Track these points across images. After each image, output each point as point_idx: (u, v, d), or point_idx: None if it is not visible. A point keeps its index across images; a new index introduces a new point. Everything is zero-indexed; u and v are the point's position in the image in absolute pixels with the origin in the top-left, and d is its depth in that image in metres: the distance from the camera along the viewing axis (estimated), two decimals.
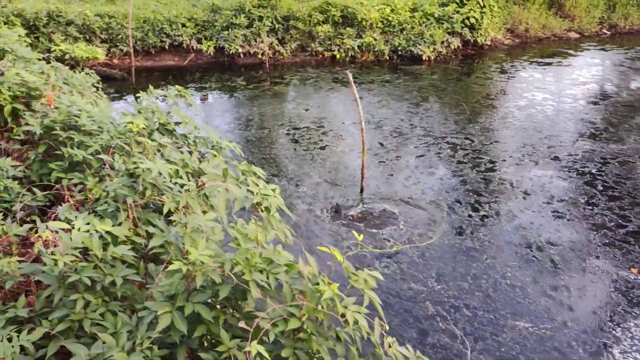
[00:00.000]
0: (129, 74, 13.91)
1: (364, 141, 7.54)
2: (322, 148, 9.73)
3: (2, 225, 3.74)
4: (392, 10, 16.69)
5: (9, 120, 5.15)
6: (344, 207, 7.31)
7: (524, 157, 9.29)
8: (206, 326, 2.79)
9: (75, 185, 4.25)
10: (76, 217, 3.56)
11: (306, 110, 11.80)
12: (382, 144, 9.82)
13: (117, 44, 14.91)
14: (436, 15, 16.64)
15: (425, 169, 8.77)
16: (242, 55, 15.58)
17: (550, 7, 20.18)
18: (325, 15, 16.55)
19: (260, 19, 15.75)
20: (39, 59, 7.28)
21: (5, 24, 12.88)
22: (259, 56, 15.66)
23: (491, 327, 5.06)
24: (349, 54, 16.01)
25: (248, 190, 3.40)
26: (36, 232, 3.64)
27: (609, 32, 20.26)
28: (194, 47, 15.53)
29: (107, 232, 3.34)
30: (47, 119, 4.67)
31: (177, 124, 5.03)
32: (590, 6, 20.59)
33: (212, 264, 2.80)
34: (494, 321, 5.13)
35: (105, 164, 4.30)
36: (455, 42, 16.59)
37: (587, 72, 15.17)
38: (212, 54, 15.45)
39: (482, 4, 17.00)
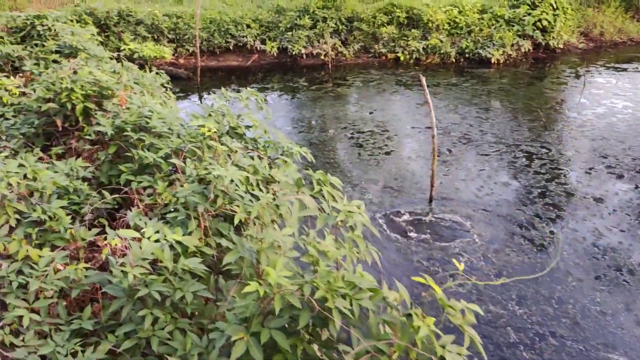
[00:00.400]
0: (194, 74, 14.01)
1: (435, 148, 7.14)
2: (387, 153, 9.37)
3: (71, 229, 3.63)
4: (460, 12, 16.10)
5: (81, 119, 5.10)
6: (412, 217, 6.94)
7: (607, 169, 8.60)
8: (283, 355, 2.53)
9: (144, 188, 4.11)
10: (146, 223, 3.39)
11: (370, 113, 11.47)
12: (450, 151, 9.36)
13: (184, 43, 15.07)
14: (506, 17, 15.90)
15: (499, 178, 8.26)
16: (304, 56, 15.42)
17: (627, 10, 18.95)
18: (390, 17, 16.16)
19: (324, 20, 15.55)
20: (111, 58, 7.31)
21: (78, 22, 13.25)
22: (322, 57, 15.45)
23: (581, 359, 4.58)
24: (414, 56, 15.54)
25: (330, 207, 3.12)
26: (105, 237, 3.51)
27: None
28: (258, 48, 15.51)
29: (177, 242, 3.14)
30: (119, 120, 4.57)
31: (247, 127, 4.83)
32: None
33: (291, 287, 2.54)
34: (583, 352, 4.65)
35: (174, 168, 4.14)
36: (526, 45, 15.79)
37: None
38: (275, 54, 15.37)
39: (555, 6, 16.14)
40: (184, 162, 3.77)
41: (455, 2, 16.53)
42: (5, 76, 5.98)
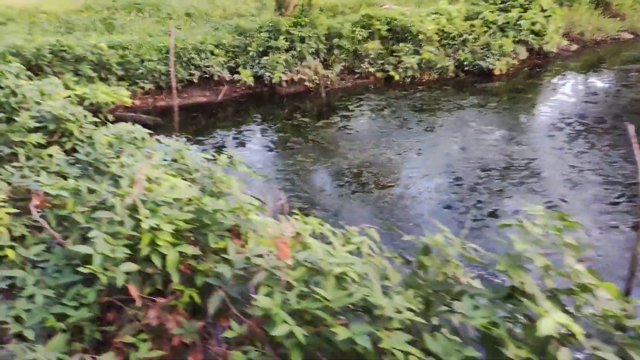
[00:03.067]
0: (160, 118, 11.20)
1: None
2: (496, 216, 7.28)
3: None
4: (448, 20, 14.43)
5: (176, 280, 2.54)
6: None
7: None
8: None
9: None
10: None
11: (388, 156, 9.32)
12: (565, 201, 7.38)
13: (137, 80, 12.13)
14: (499, 23, 14.45)
15: None
16: (284, 84, 13.02)
17: (596, 6, 18.31)
18: (369, 30, 14.16)
19: (302, 39, 13.24)
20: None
21: None
22: (305, 83, 13.13)
23: None
24: (408, 73, 13.63)
25: None
26: None
27: None
28: (226, 78, 12.89)
29: None
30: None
31: None
32: (635, 2, 18.85)
33: None
34: None
35: None
36: (523, 52, 14.44)
37: None
38: (249, 84, 12.84)
39: (543, 7, 14.96)
40: None
41: (438, 9, 14.87)
42: None
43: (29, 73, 5.88)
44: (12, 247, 3.01)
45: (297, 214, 3.25)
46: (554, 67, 14.75)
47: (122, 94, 10.62)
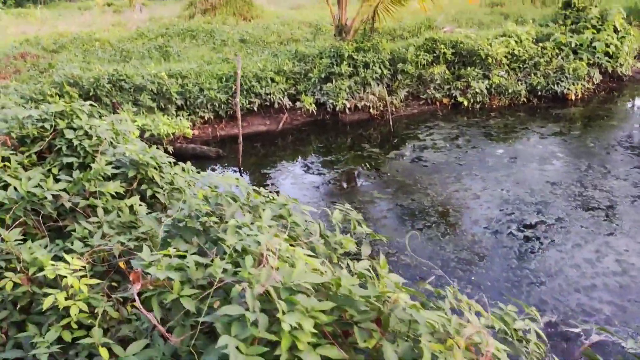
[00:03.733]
0: (221, 148, 10.72)
1: None
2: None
3: None
4: (517, 43, 13.60)
5: None
6: None
7: None
8: None
9: None
10: None
11: (486, 195, 8.49)
12: None
13: (197, 110, 11.73)
14: (572, 45, 13.52)
15: None
16: (347, 111, 12.40)
17: None
18: (434, 54, 13.45)
19: (366, 65, 12.64)
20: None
21: (59, 96, 9.77)
22: (369, 110, 12.49)
23: None
24: (477, 99, 12.82)
25: None
26: None
27: None
28: (287, 106, 12.37)
29: None
30: None
31: None
32: None
33: None
34: None
35: None
36: (597, 75, 13.44)
37: None
38: (311, 111, 12.28)
39: (617, 28, 13.98)
40: None
41: (505, 31, 14.06)
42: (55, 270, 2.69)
43: (101, 111, 5.38)
44: (104, 345, 2.37)
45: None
46: (629, 91, 13.70)
47: (183, 125, 10.21)
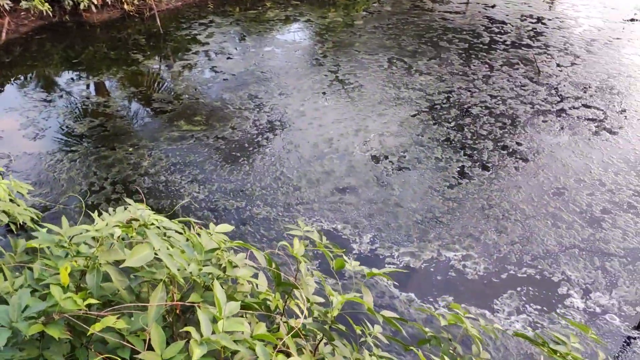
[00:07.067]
0: None
1: None
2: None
3: None
4: None
5: None
6: None
7: None
8: None
9: None
10: None
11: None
12: None
13: None
14: None
15: None
16: (93, 8, 9.56)
17: None
18: None
19: None
20: None
21: None
22: (123, 5, 9.86)
23: None
24: None
25: None
26: None
27: None
28: (6, 7, 8.92)
29: None
30: None
31: None
32: None
33: None
34: None
35: None
36: None
37: None
38: (45, 13, 9.08)
39: None
40: None
41: None
42: None
43: None
44: None
45: None
46: None
47: None
